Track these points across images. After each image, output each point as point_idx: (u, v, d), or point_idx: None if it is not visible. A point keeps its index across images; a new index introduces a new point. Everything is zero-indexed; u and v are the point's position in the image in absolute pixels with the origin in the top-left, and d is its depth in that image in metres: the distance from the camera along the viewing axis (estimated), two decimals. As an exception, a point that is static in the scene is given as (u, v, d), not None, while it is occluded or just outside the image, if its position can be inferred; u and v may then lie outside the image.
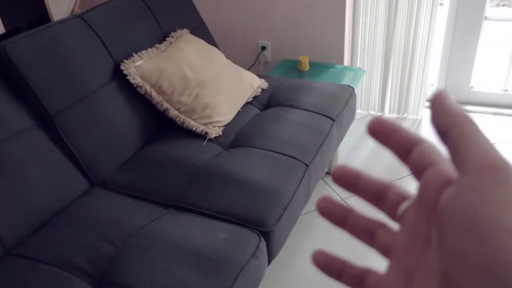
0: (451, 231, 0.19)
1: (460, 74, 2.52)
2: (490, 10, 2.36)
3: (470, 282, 0.18)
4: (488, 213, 0.19)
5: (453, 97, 0.23)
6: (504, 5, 3.98)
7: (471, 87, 2.56)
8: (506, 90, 2.54)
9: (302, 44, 2.42)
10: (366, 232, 0.27)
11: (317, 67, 2.34)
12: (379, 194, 0.27)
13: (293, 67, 2.37)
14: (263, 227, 1.25)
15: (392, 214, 0.26)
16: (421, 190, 0.23)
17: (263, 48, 2.51)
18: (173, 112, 1.60)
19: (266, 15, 2.42)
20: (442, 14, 2.38)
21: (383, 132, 0.25)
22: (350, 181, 0.27)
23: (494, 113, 2.51)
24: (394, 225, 0.26)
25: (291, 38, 2.43)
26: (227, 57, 1.93)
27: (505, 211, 0.18)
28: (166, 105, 1.60)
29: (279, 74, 2.30)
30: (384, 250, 0.26)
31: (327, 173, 2.13)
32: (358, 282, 0.27)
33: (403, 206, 0.25)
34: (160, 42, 1.77)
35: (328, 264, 0.28)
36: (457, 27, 2.40)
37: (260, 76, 2.00)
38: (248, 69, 2.56)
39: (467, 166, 0.20)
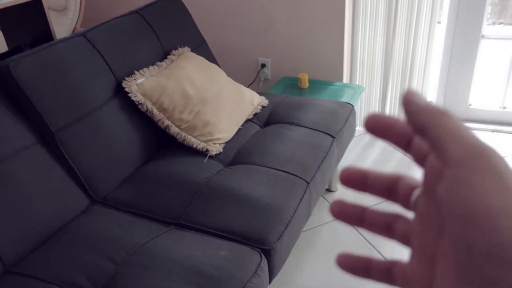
0: (452, 223, 0.20)
1: (459, 92, 2.55)
2: (487, 29, 2.39)
3: (479, 269, 0.19)
4: (480, 201, 0.19)
5: (421, 95, 0.23)
6: (500, 23, 4.03)
7: (470, 104, 2.58)
8: (504, 108, 2.56)
9: (302, 61, 2.45)
10: (385, 226, 0.28)
11: (317, 85, 2.36)
12: (390, 187, 0.27)
13: (293, 84, 2.39)
14: (264, 245, 1.25)
15: (406, 205, 0.26)
16: (425, 178, 0.24)
17: (263, 65, 2.53)
18: (174, 129, 1.61)
19: (266, 33, 2.45)
20: (440, 32, 2.41)
21: (380, 127, 0.25)
22: (359, 181, 0.28)
23: (493, 130, 2.53)
24: (410, 215, 0.27)
25: (290, 56, 2.46)
26: (228, 75, 1.95)
27: (494, 197, 0.19)
28: (167, 122, 1.61)
29: (279, 91, 2.31)
30: (405, 240, 0.27)
31: (327, 190, 2.13)
32: (386, 275, 0.27)
33: (415, 194, 0.26)
34: (161, 60, 1.79)
35: (354, 264, 0.28)
36: (455, 45, 2.42)
37: (260, 93, 2.01)
38: (248, 86, 2.58)
39: (449, 158, 0.21)
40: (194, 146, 1.60)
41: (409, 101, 0.23)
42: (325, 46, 2.36)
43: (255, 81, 2.59)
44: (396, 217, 0.28)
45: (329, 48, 2.36)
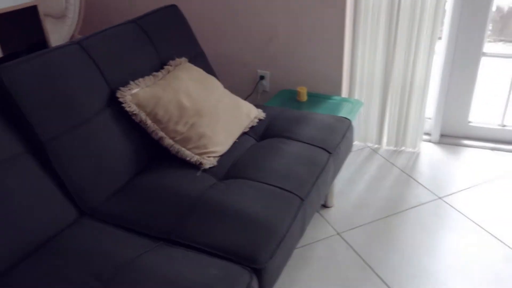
0: None
1: (458, 109, 2.52)
2: (487, 46, 2.38)
3: None
4: None
5: None
6: (500, 41, 4.02)
7: (469, 122, 2.56)
8: (504, 126, 2.54)
9: (301, 74, 2.43)
10: None
11: (315, 98, 2.34)
12: None
13: (291, 97, 2.37)
14: (255, 264, 1.21)
15: None
16: None
17: (262, 77, 2.51)
18: (167, 141, 1.58)
19: (266, 46, 2.43)
20: (440, 48, 2.39)
21: None
22: None
23: (492, 148, 2.50)
24: None
25: (290, 69, 2.44)
26: (226, 86, 1.92)
27: None
28: (160, 133, 1.58)
29: (277, 104, 2.29)
30: None
31: (323, 206, 2.10)
32: None
33: None
34: (158, 70, 1.76)
35: None
36: (455, 62, 2.41)
37: (257, 106, 1.99)
38: (246, 98, 2.56)
39: None
40: (188, 159, 1.57)
41: None
42: (325, 59, 2.34)
43: (253, 93, 2.56)
44: None
45: (328, 61, 2.34)
